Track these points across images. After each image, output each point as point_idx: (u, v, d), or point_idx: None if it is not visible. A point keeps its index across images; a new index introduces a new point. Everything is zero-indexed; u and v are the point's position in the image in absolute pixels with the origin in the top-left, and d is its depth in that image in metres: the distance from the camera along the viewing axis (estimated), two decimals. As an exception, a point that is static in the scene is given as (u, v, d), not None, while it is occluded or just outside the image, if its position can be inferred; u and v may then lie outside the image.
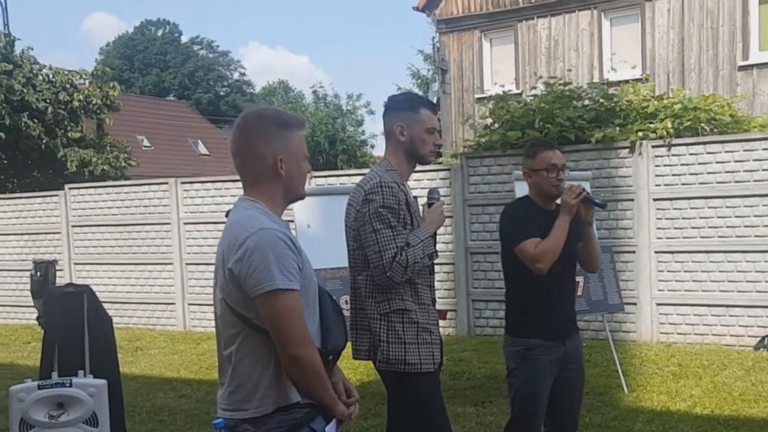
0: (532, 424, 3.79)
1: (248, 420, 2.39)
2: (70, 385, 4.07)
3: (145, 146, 32.72)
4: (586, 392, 6.52)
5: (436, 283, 3.67)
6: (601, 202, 3.90)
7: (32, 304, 11.70)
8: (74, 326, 4.82)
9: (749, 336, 8.32)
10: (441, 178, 9.89)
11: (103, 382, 4.19)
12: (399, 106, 3.58)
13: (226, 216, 2.55)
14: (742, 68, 15.24)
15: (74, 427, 4.04)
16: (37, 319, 11.47)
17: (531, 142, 4.01)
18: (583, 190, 3.75)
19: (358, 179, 3.79)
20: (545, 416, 3.88)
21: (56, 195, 12.38)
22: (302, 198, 2.63)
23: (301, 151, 2.56)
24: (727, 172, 8.40)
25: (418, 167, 3.72)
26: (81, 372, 4.32)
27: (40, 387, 4.04)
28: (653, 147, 8.74)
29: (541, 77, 12.20)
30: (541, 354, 3.74)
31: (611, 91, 10.12)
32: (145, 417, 6.48)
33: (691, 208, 8.56)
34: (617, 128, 9.15)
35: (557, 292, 3.80)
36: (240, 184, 2.58)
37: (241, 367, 2.41)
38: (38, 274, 11.35)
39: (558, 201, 3.81)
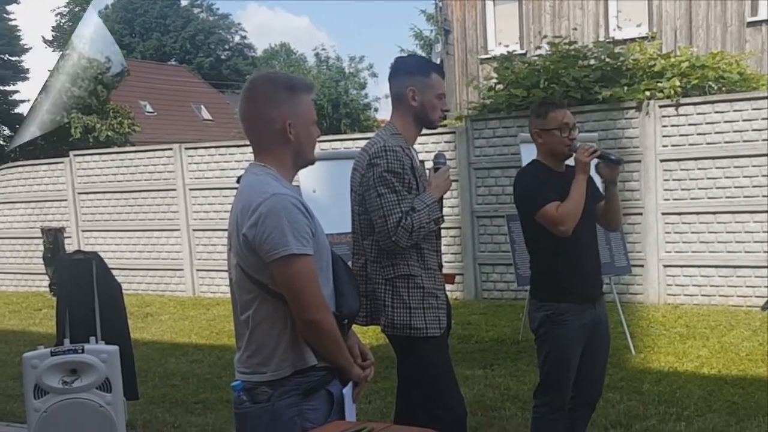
0: (563, 389, 3.74)
1: (266, 383, 2.42)
2: (83, 352, 4.09)
3: (148, 112, 32.68)
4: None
5: (442, 248, 3.64)
6: (616, 158, 3.73)
7: (42, 271, 11.79)
8: (84, 293, 4.83)
9: (756, 296, 8.33)
10: (446, 141, 9.84)
11: (114, 348, 4.20)
12: (410, 69, 3.51)
13: (237, 182, 2.54)
14: (750, 24, 15.06)
15: (88, 393, 4.06)
16: (49, 286, 11.56)
17: (539, 102, 3.90)
18: (596, 149, 3.67)
19: (362, 143, 3.76)
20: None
21: (61, 162, 12.36)
22: (312, 163, 2.62)
23: (309, 115, 2.55)
24: (735, 131, 8.33)
25: (423, 131, 3.66)
26: (92, 338, 4.34)
27: (53, 354, 4.04)
28: (660, 107, 8.67)
29: (545, 37, 12.03)
30: (571, 318, 3.67)
31: (617, 50, 10.01)
32: (158, 382, 6.54)
33: (699, 169, 8.52)
34: (624, 88, 9.06)
35: (581, 252, 3.73)
36: (245, 150, 2.57)
37: (258, 332, 2.43)
38: (49, 241, 11.42)
39: (569, 162, 3.74)
